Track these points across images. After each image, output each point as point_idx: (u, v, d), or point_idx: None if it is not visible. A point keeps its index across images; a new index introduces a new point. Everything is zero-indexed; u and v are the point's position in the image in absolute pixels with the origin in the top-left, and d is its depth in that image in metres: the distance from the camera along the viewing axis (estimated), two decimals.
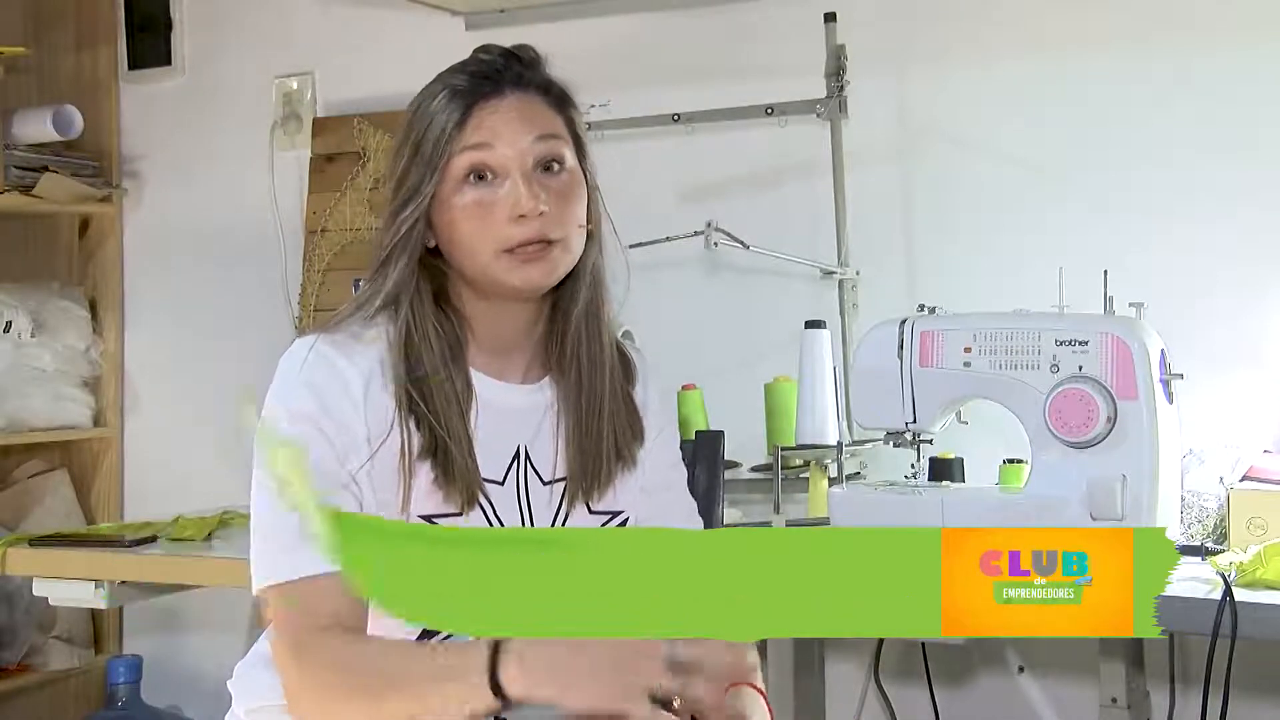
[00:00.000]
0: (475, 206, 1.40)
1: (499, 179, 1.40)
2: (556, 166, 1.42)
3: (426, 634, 1.39)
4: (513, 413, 1.47)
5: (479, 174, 1.40)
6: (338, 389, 1.38)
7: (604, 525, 1.51)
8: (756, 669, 1.45)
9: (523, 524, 1.45)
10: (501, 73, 1.43)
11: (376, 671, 1.27)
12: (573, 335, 1.48)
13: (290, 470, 1.36)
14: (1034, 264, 2.25)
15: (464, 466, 1.40)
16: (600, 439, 1.48)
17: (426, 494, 1.40)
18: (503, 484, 1.45)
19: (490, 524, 1.43)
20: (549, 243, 1.40)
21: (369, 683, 1.27)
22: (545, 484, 1.48)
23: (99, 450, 3.26)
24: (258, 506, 1.39)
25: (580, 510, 1.49)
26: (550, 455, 1.48)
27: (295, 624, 1.34)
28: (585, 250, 1.46)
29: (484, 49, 1.46)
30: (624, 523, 1.52)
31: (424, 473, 1.39)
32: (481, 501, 1.42)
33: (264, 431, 1.39)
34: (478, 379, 1.45)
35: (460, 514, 1.41)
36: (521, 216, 1.38)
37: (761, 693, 1.40)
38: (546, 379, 1.50)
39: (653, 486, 1.56)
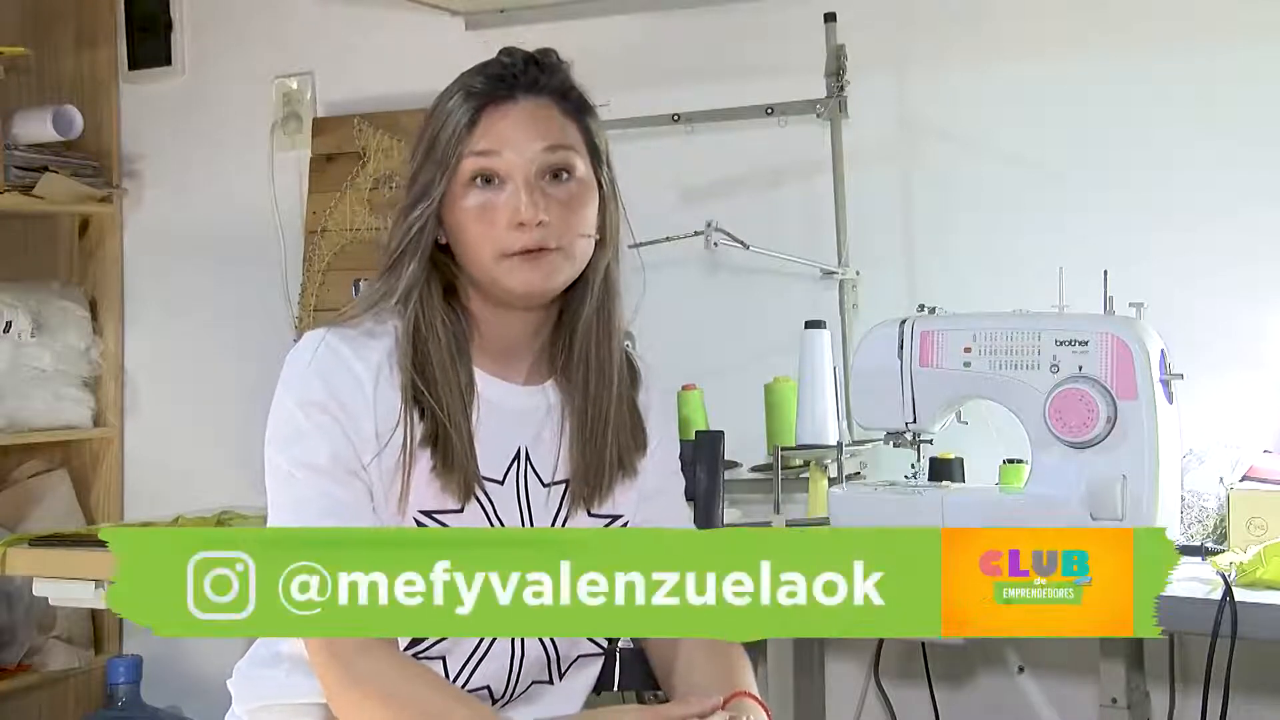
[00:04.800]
0: (479, 209, 1.40)
1: (503, 184, 1.40)
2: (565, 175, 1.42)
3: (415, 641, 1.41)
4: (514, 413, 1.47)
5: (485, 178, 1.41)
6: (348, 381, 1.39)
7: (603, 528, 1.51)
8: (752, 679, 1.45)
9: (522, 524, 1.46)
10: (517, 77, 1.42)
11: (421, 706, 1.32)
12: (580, 341, 1.48)
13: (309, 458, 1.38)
14: (1034, 264, 2.25)
15: (463, 456, 1.40)
16: (604, 446, 1.48)
17: (425, 485, 1.40)
18: (502, 483, 1.45)
19: (489, 523, 1.43)
20: (549, 249, 1.40)
21: (411, 715, 1.32)
22: (545, 485, 1.48)
23: (99, 450, 3.26)
24: (277, 495, 1.40)
25: (580, 513, 1.49)
26: (551, 458, 1.48)
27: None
28: (595, 258, 1.46)
29: (507, 51, 1.45)
30: (623, 525, 1.52)
31: (424, 461, 1.40)
32: (481, 499, 1.43)
33: (278, 422, 1.40)
34: (481, 378, 1.45)
35: (459, 509, 1.41)
36: (521, 224, 1.39)
37: (760, 703, 1.40)
38: (550, 382, 1.50)
39: (650, 492, 1.55)
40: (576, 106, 1.46)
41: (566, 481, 1.49)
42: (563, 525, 1.48)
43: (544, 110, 1.43)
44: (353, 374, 1.39)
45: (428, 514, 1.41)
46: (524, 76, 1.42)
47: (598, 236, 1.45)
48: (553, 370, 1.50)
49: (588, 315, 1.47)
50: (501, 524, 1.44)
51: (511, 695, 1.46)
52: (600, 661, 1.54)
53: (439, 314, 1.42)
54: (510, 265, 1.40)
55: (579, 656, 1.51)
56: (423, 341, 1.41)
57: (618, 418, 1.49)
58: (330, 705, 1.37)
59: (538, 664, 1.47)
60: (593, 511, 1.50)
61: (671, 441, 1.62)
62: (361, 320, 1.43)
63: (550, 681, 1.49)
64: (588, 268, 1.46)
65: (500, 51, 1.46)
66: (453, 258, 1.45)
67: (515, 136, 1.40)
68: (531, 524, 1.46)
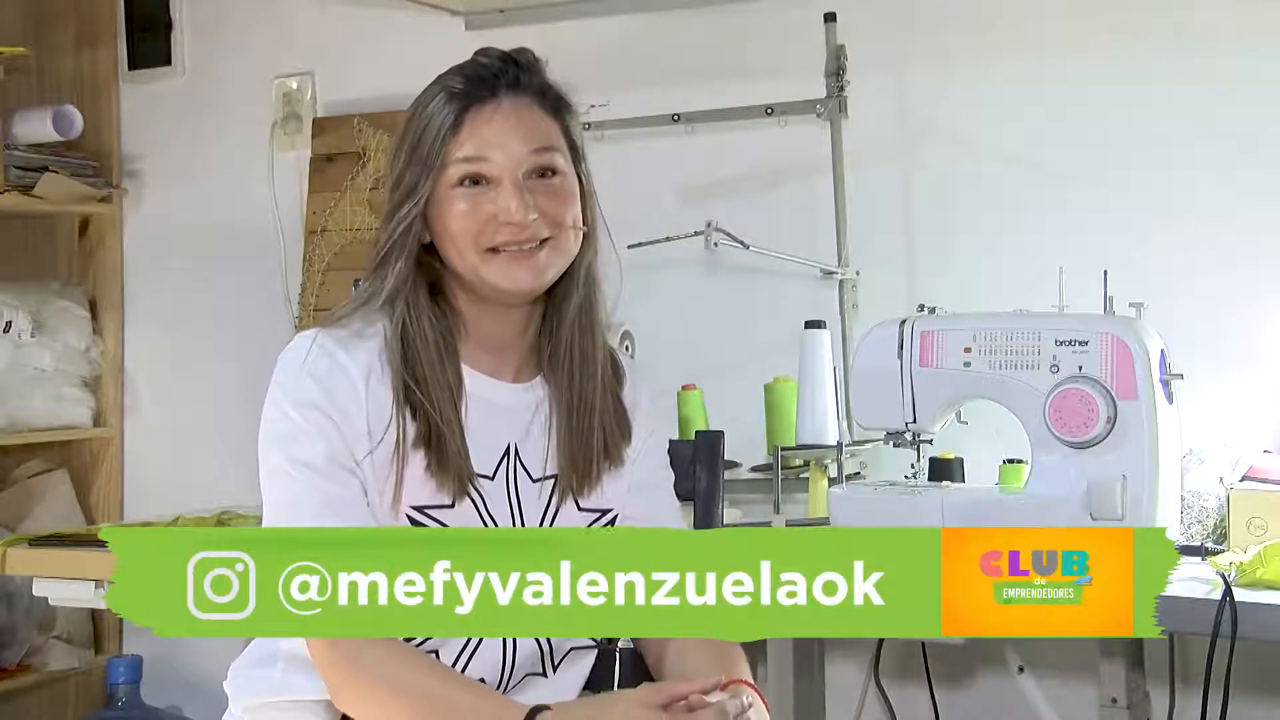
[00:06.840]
0: (469, 211, 1.43)
1: (492, 185, 1.43)
2: (550, 173, 1.45)
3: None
4: (503, 410, 1.48)
5: (473, 179, 1.43)
6: (341, 381, 1.41)
7: (593, 523, 1.52)
8: (748, 670, 1.46)
9: (513, 520, 1.47)
10: (498, 77, 1.44)
11: (426, 694, 1.33)
12: (566, 334, 1.50)
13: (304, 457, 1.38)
14: (1034, 264, 2.25)
15: (457, 455, 1.42)
16: (590, 436, 1.50)
17: (419, 484, 1.42)
18: (493, 479, 1.47)
19: (481, 518, 1.45)
20: (539, 243, 1.42)
21: (417, 704, 1.33)
22: (534, 481, 1.49)
23: (99, 450, 3.25)
24: (272, 493, 1.41)
25: (569, 507, 1.51)
26: (539, 453, 1.50)
27: None
28: (580, 252, 1.48)
29: (483, 52, 1.48)
30: (613, 520, 1.54)
31: (417, 461, 1.42)
32: (473, 495, 1.44)
33: (272, 421, 1.41)
34: (470, 375, 1.47)
35: (451, 505, 1.43)
36: (512, 225, 1.41)
37: (758, 691, 1.41)
38: (538, 378, 1.52)
39: (641, 485, 1.57)
40: (556, 105, 1.48)
41: (555, 477, 1.50)
42: (552, 519, 1.50)
43: (527, 110, 1.45)
44: (345, 374, 1.41)
45: (420, 509, 1.42)
46: (504, 76, 1.45)
47: (585, 230, 1.47)
48: (540, 366, 1.52)
49: (572, 308, 1.50)
50: (493, 519, 1.45)
51: (506, 688, 1.47)
52: (593, 655, 1.55)
53: (426, 314, 1.45)
54: (499, 263, 1.42)
55: (571, 649, 1.52)
56: (411, 342, 1.43)
57: (603, 407, 1.51)
58: (335, 698, 1.38)
59: (531, 657, 1.48)
60: (582, 505, 1.51)
61: (663, 436, 1.64)
62: (350, 321, 1.45)
63: (543, 674, 1.50)
64: (573, 263, 1.48)
65: (476, 52, 1.48)
66: (438, 257, 1.46)
67: (502, 139, 1.42)
68: (522, 519, 1.48)
